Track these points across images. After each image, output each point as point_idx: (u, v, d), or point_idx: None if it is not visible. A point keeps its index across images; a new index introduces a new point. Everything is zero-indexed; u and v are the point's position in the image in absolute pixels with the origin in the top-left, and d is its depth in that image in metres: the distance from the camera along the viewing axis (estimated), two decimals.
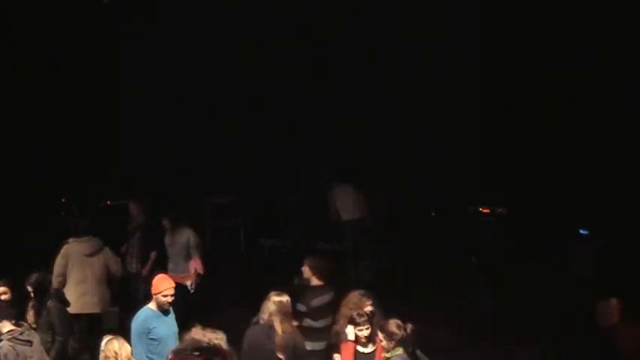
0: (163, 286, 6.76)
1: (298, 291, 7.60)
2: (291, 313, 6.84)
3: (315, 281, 7.64)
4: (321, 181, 13.51)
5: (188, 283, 9.68)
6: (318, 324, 7.43)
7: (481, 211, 12.66)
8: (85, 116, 13.73)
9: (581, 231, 11.57)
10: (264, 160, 13.87)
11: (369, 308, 6.84)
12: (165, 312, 6.79)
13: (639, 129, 10.61)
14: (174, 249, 9.78)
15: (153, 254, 10.07)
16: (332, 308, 7.36)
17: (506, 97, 12.10)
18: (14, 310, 7.43)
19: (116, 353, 6.03)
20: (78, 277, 8.69)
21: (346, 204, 11.96)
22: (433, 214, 13.57)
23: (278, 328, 6.68)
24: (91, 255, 8.84)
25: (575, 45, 11.12)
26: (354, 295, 7.01)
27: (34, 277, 7.94)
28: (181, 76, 13.52)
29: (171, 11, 12.84)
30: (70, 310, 8.27)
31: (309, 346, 7.13)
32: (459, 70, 12.28)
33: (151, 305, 6.77)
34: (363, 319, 6.70)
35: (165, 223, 9.95)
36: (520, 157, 12.16)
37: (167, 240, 9.89)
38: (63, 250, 8.78)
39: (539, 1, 11.38)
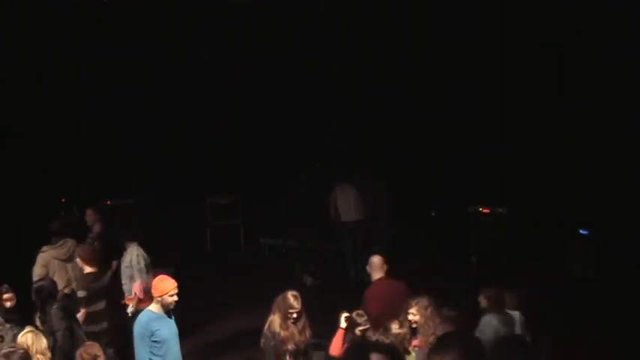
0: (168, 287, 6.71)
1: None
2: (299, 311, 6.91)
3: (87, 269, 8.10)
4: (321, 177, 13.52)
5: (129, 305, 8.79)
6: (96, 307, 7.95)
7: (481, 211, 12.66)
8: (85, 116, 13.74)
9: (581, 231, 11.56)
10: (264, 160, 13.86)
11: (411, 317, 6.80)
12: (167, 313, 6.77)
13: (639, 128, 10.62)
14: (123, 267, 9.04)
15: (114, 263, 9.50)
16: (104, 293, 8.05)
17: (505, 97, 12.10)
18: (15, 316, 7.37)
19: (27, 346, 6.11)
20: (60, 283, 8.63)
21: (346, 205, 11.94)
22: (433, 214, 13.56)
23: (275, 323, 6.74)
24: (69, 260, 8.77)
25: (572, 44, 11.13)
26: (408, 301, 6.98)
27: (39, 283, 7.90)
28: (182, 75, 13.52)
29: (171, 11, 12.84)
30: None
31: (88, 328, 7.63)
32: (458, 70, 12.29)
33: (152, 307, 6.73)
34: (363, 318, 6.72)
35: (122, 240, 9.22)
36: (520, 157, 12.17)
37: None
38: (39, 260, 8.66)
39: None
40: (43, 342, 6.23)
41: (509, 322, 7.12)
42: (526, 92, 11.90)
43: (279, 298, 6.86)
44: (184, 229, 13.55)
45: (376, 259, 7.96)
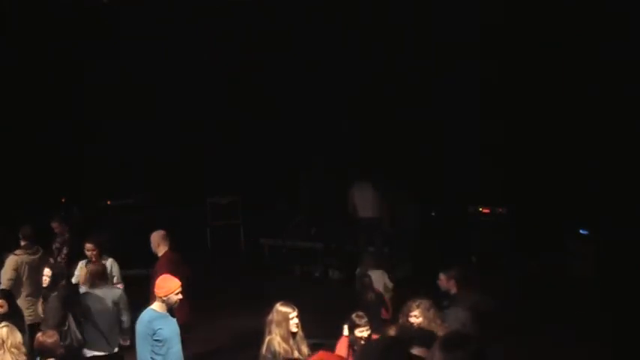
0: (173, 286, 6.71)
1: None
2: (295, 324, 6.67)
3: None
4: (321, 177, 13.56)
5: None
6: None
7: (481, 211, 12.66)
8: (85, 116, 13.74)
9: (581, 231, 11.57)
10: (264, 160, 13.86)
11: (414, 320, 6.77)
12: (169, 313, 6.76)
13: (639, 128, 10.62)
14: None
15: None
16: None
17: (506, 97, 12.10)
18: (8, 322, 7.32)
19: (2, 340, 6.18)
20: (28, 289, 8.62)
21: (363, 202, 12.07)
22: (433, 214, 13.56)
23: (274, 341, 6.55)
24: (39, 266, 8.77)
25: (572, 44, 11.14)
26: (408, 304, 6.91)
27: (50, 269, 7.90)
28: (182, 75, 13.52)
29: (171, 11, 12.84)
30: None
31: None
32: (458, 70, 12.29)
33: (154, 306, 6.72)
34: (363, 320, 6.68)
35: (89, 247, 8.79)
36: (520, 157, 12.17)
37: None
38: (11, 263, 8.62)
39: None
40: (17, 336, 6.28)
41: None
42: (526, 92, 11.90)
43: (270, 316, 6.51)
44: (184, 229, 13.53)
45: (161, 234, 8.59)
